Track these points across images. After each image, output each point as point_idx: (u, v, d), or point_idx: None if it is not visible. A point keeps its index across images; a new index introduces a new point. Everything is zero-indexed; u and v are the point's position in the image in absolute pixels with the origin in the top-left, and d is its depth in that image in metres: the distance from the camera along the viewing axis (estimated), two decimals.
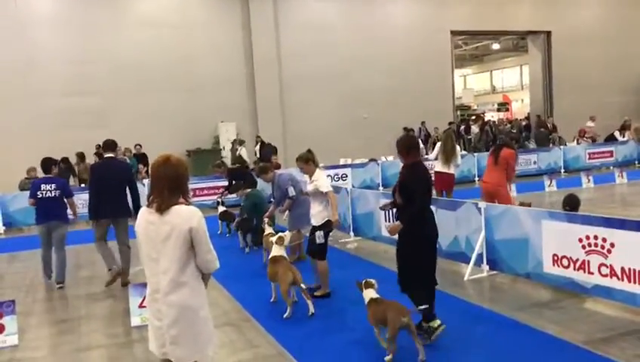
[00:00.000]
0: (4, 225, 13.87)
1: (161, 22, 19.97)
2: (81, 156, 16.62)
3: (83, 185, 15.89)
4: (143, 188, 13.50)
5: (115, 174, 8.18)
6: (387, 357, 5.00)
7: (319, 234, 6.85)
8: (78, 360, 5.60)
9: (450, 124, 23.02)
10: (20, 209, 13.92)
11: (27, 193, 13.99)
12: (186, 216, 3.48)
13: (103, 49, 19.22)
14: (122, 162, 8.88)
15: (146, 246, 3.58)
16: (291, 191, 8.43)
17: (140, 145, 17.93)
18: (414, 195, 5.34)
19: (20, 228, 14.14)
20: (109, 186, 8.05)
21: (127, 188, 8.20)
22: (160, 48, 19.84)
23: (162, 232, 3.49)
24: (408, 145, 5.59)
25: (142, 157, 17.54)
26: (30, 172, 15.18)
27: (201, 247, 3.52)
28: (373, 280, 5.46)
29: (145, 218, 3.58)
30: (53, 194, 8.44)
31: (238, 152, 19.17)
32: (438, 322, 5.44)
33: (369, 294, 5.33)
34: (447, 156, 10.82)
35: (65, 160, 16.33)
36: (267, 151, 19.15)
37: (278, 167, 15.57)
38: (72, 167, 16.56)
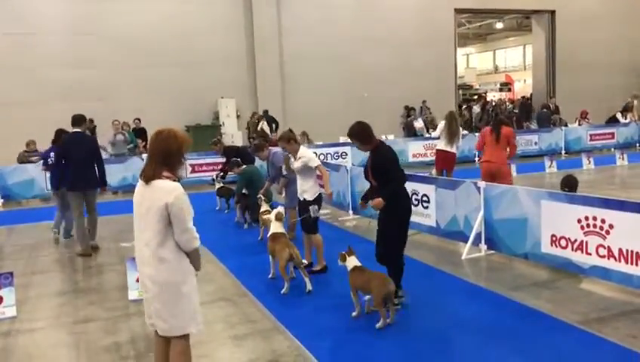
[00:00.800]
0: (2, 197, 13.84)
1: None
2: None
3: None
4: (142, 162, 13.48)
5: (85, 148, 8.58)
6: (378, 324, 5.18)
7: (314, 208, 6.88)
8: (75, 332, 5.63)
9: (470, 101, 22.85)
10: (19, 182, 13.94)
11: (25, 166, 14.20)
12: (165, 190, 3.46)
13: (104, 22, 19.01)
14: (90, 136, 9.36)
15: (135, 216, 3.63)
16: (285, 170, 8.44)
17: (139, 120, 17.80)
18: (390, 174, 5.52)
19: (18, 201, 14.13)
20: (80, 160, 8.45)
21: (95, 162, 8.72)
22: (160, 23, 19.62)
23: (145, 204, 3.51)
24: (367, 132, 5.72)
25: (141, 132, 17.43)
26: (30, 145, 15.17)
27: (177, 225, 3.47)
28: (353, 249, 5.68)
29: (137, 188, 3.64)
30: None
31: (260, 126, 19.16)
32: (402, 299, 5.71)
33: (352, 262, 5.55)
34: (452, 136, 10.88)
35: (62, 131, 16.23)
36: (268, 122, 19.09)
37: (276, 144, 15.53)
38: None
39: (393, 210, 5.58)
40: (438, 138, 11.37)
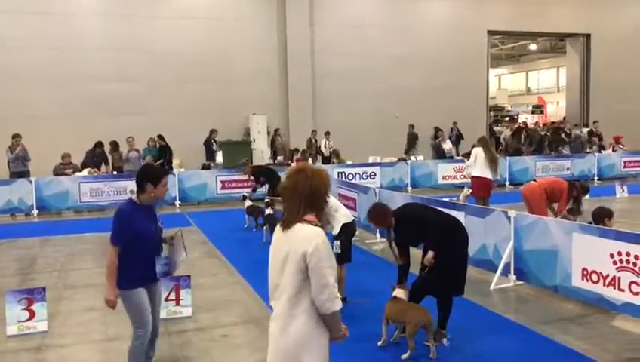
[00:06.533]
0: (37, 208, 14.16)
1: (197, 14, 20.03)
2: (114, 145, 16.86)
3: (115, 172, 16.13)
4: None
5: None
6: (404, 356, 5.14)
7: (336, 243, 6.83)
8: (104, 349, 5.72)
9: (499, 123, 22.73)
10: (54, 194, 14.28)
11: (60, 178, 14.54)
12: (304, 237, 2.94)
13: (141, 38, 19.37)
14: None
15: (270, 266, 3.16)
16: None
17: (161, 136, 17.24)
18: (427, 227, 5.49)
19: (53, 212, 14.45)
20: None
21: None
22: (195, 40, 19.95)
23: (282, 253, 3.03)
24: (385, 213, 5.73)
25: (162, 150, 16.85)
26: (65, 157, 15.52)
27: (314, 279, 2.91)
28: (404, 286, 5.62)
29: (276, 234, 3.18)
30: None
31: (324, 145, 19.56)
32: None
33: (395, 292, 5.54)
34: (492, 163, 10.91)
35: (99, 144, 16.59)
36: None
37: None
38: (105, 152, 16.75)
39: (450, 247, 5.54)
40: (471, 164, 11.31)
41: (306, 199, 3.00)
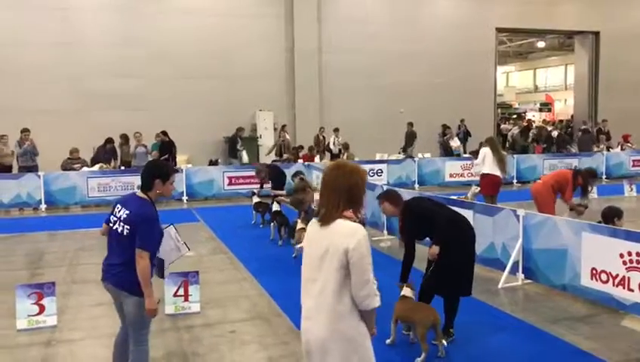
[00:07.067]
0: (45, 203, 14.22)
1: (203, 10, 20.01)
2: (125, 138, 16.88)
3: (123, 167, 16.17)
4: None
5: None
6: (419, 359, 5.08)
7: None
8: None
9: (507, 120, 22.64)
10: (62, 188, 14.32)
11: (68, 173, 14.56)
12: (346, 233, 2.95)
13: (146, 34, 19.39)
14: None
15: (306, 262, 3.14)
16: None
17: (164, 133, 16.78)
18: (435, 220, 5.49)
19: (61, 207, 14.51)
20: None
21: None
22: (201, 36, 19.94)
23: (320, 248, 3.01)
24: (399, 199, 5.78)
25: (167, 146, 16.42)
26: (73, 153, 15.56)
27: (356, 276, 2.93)
28: (412, 285, 5.56)
29: (311, 229, 3.17)
30: None
31: (333, 142, 19.51)
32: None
33: (403, 291, 5.51)
34: (501, 163, 10.94)
35: (110, 140, 16.59)
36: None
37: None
38: (115, 148, 16.75)
39: (454, 245, 5.51)
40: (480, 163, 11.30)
41: (345, 194, 3.02)
